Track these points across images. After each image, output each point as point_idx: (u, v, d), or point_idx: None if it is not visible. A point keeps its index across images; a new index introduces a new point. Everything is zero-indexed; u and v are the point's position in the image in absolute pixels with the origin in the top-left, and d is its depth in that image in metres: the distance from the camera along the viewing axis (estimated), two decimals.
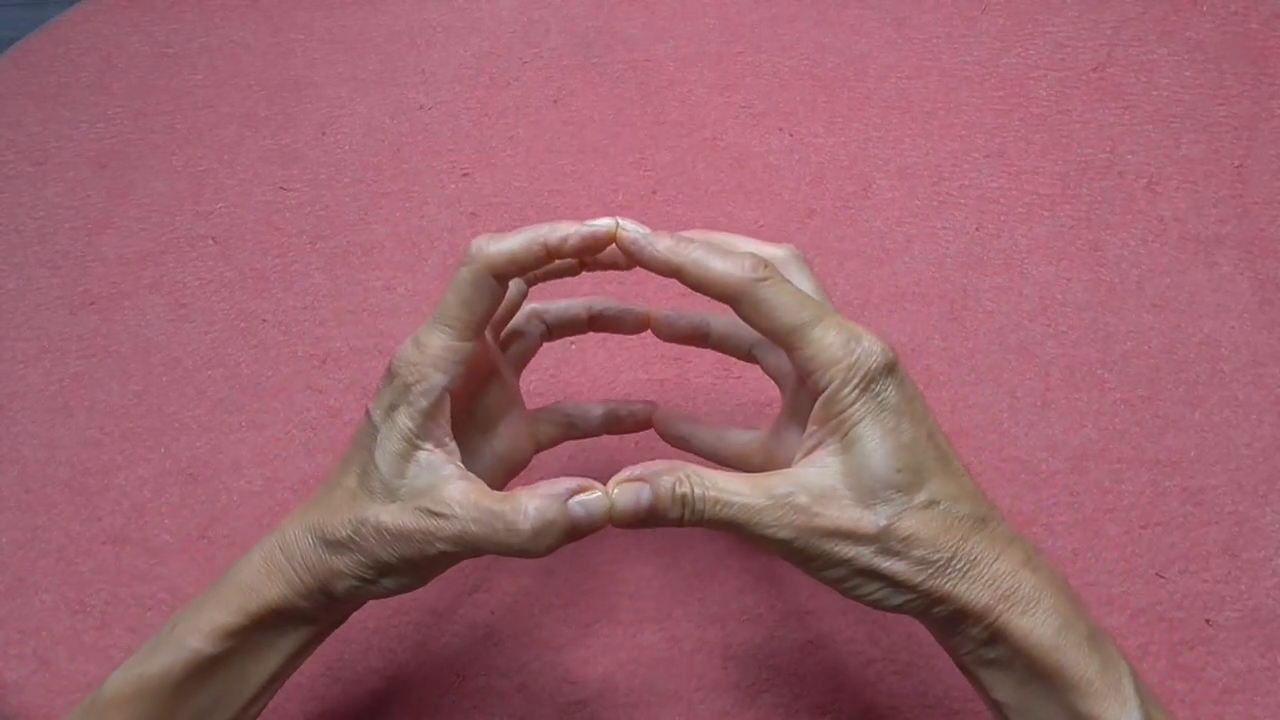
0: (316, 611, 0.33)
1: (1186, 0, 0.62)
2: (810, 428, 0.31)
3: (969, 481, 0.31)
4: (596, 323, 0.40)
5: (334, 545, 0.31)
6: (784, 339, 0.30)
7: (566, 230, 0.31)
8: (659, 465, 0.30)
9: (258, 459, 0.49)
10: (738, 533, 0.29)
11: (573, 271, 0.37)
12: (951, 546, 0.29)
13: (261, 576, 0.32)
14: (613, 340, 0.51)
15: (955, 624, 0.30)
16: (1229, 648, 0.42)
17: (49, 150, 0.61)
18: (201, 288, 0.55)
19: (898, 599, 0.29)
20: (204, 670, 0.32)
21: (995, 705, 0.30)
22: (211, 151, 0.61)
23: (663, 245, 0.31)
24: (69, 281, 0.56)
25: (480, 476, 0.36)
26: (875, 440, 0.29)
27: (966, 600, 0.29)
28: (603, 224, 0.31)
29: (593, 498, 0.29)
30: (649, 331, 0.41)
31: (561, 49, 0.64)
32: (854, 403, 0.29)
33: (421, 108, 0.62)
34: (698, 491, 0.29)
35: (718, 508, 0.29)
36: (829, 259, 0.53)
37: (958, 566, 0.29)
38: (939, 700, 0.41)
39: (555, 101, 0.61)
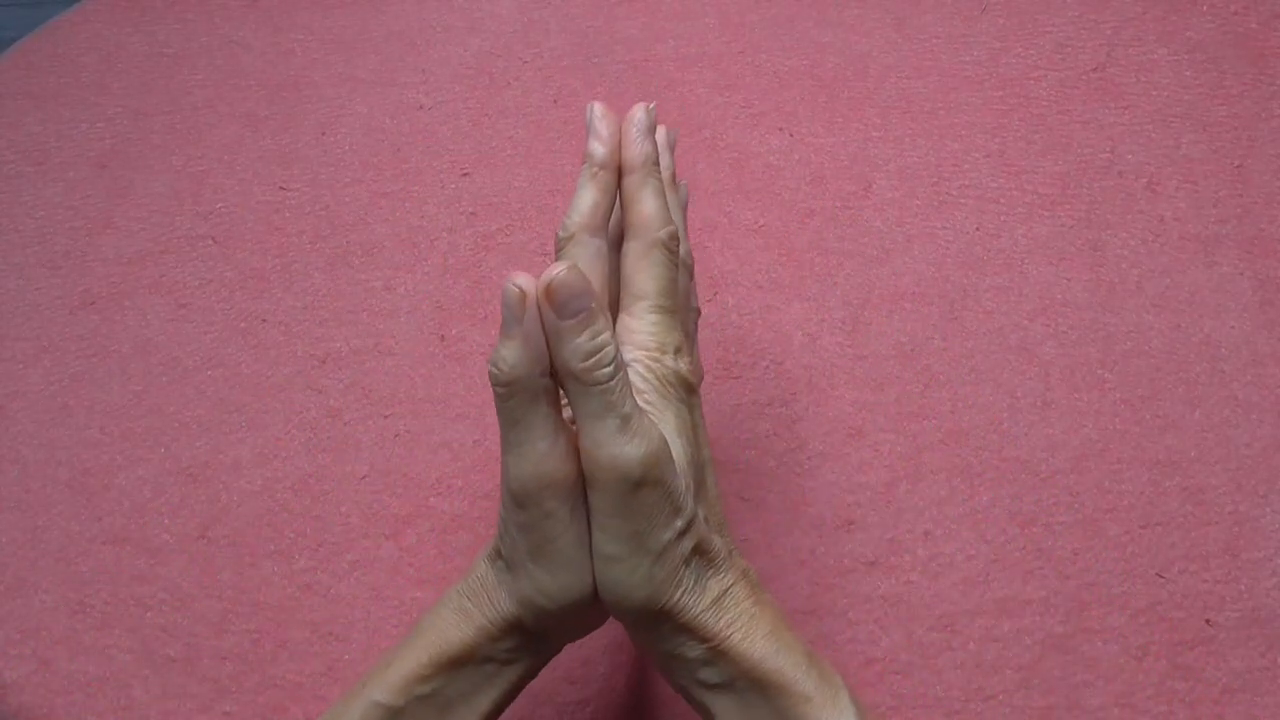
0: (513, 651, 0.32)
1: (1186, 0, 0.62)
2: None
3: (723, 514, 0.33)
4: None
5: (501, 570, 0.31)
6: (630, 299, 0.32)
7: (592, 146, 0.33)
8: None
9: (258, 459, 0.49)
10: (598, 427, 0.28)
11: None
12: (707, 563, 0.31)
13: (450, 626, 0.32)
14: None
15: (676, 641, 0.30)
16: (1229, 648, 0.42)
17: (49, 150, 0.61)
18: (201, 288, 0.55)
19: (652, 602, 0.30)
20: None
21: None
22: (211, 151, 0.61)
23: (642, 148, 0.33)
24: (69, 281, 0.56)
25: None
26: (676, 446, 0.30)
27: (695, 617, 0.30)
28: (593, 111, 0.33)
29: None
30: None
31: (561, 49, 0.64)
32: (651, 392, 0.31)
33: (421, 108, 0.62)
34: (621, 358, 0.30)
35: (621, 384, 0.29)
36: (829, 259, 0.53)
37: (703, 584, 0.30)
38: (939, 700, 0.41)
39: (555, 101, 0.61)
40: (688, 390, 0.32)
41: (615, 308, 0.36)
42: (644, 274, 0.32)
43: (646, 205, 0.32)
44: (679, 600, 0.30)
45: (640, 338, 0.31)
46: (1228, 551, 0.44)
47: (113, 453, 0.50)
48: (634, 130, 0.33)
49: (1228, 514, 0.45)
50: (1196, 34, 0.60)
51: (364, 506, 0.48)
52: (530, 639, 0.32)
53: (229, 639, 0.45)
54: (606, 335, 0.29)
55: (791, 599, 0.44)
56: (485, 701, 0.32)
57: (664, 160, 0.36)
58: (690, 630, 0.30)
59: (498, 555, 0.32)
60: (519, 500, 0.30)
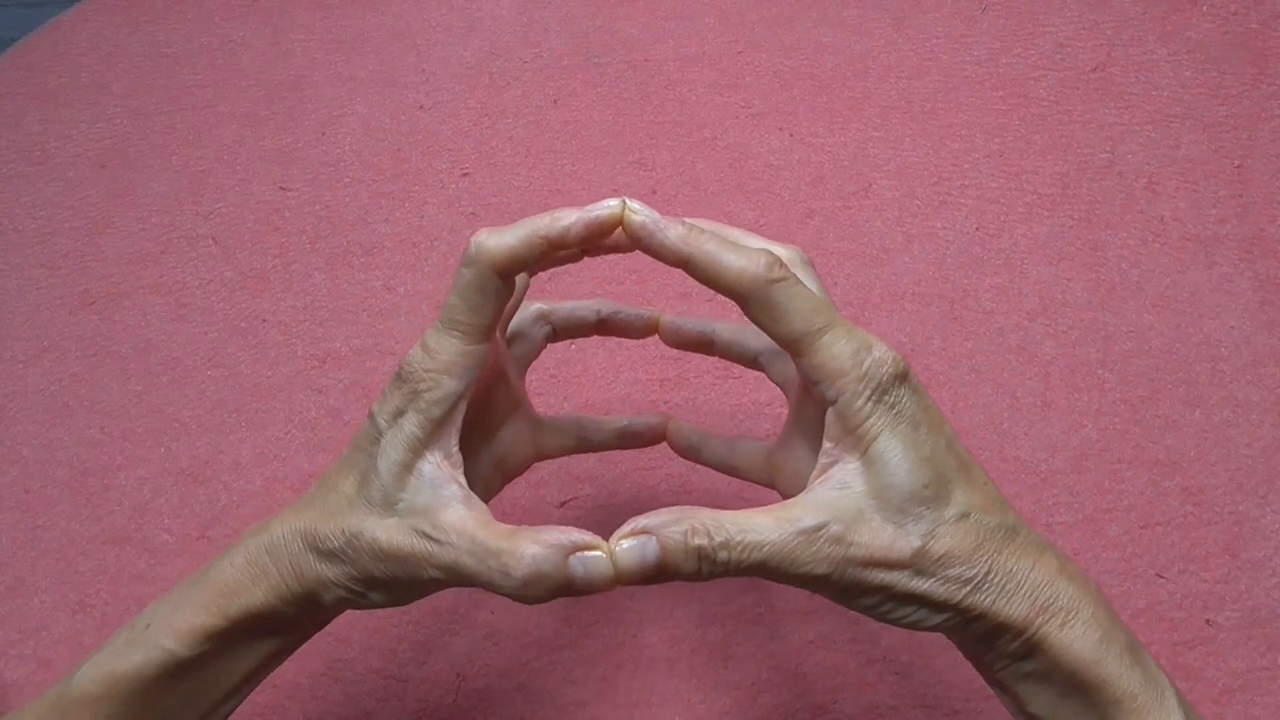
0: (300, 618, 0.31)
1: (1186, 0, 0.62)
2: (825, 444, 0.29)
3: (993, 489, 0.30)
4: (604, 326, 0.39)
5: (324, 554, 0.30)
6: (792, 344, 0.29)
7: (569, 220, 0.29)
8: (666, 515, 0.27)
9: (258, 459, 0.49)
10: (767, 575, 0.28)
11: (574, 258, 0.35)
12: (987, 561, 0.28)
13: (245, 579, 0.30)
14: (613, 340, 0.51)
15: (991, 639, 0.28)
16: (1229, 648, 0.42)
17: (49, 150, 0.61)
18: (201, 288, 0.55)
19: (935, 619, 0.28)
20: (177, 671, 0.30)
21: (1030, 719, 0.29)
22: (211, 151, 0.61)
23: (673, 234, 0.29)
24: (69, 281, 0.56)
25: (476, 480, 0.34)
26: (897, 455, 0.28)
27: (1005, 616, 0.28)
28: (608, 207, 0.29)
29: (593, 557, 0.27)
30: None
31: (561, 49, 0.64)
32: (869, 416, 0.28)
33: (421, 108, 0.62)
34: (718, 539, 0.27)
35: (745, 552, 0.27)
36: (829, 259, 0.53)
37: (995, 581, 0.28)
38: (939, 700, 0.41)
39: (555, 101, 0.61)
40: (900, 380, 0.28)
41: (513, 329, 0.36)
42: (784, 320, 0.28)
43: (727, 269, 0.28)
44: (964, 613, 0.28)
45: (831, 368, 0.28)
46: (1228, 551, 0.44)
47: (113, 453, 0.50)
48: (655, 236, 0.29)
49: (1228, 514, 0.45)
50: (1196, 34, 0.60)
51: None
52: (321, 609, 0.31)
53: None
54: (690, 544, 0.27)
55: (791, 599, 0.44)
56: (267, 650, 0.32)
57: (670, 229, 0.31)
58: (1002, 628, 0.28)
59: (321, 539, 0.30)
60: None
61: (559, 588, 0.27)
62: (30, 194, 0.60)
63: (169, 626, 0.30)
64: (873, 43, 0.62)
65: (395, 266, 0.55)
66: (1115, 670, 0.27)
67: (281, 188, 0.59)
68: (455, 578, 0.28)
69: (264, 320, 0.54)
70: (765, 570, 0.27)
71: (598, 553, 0.27)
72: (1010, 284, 0.52)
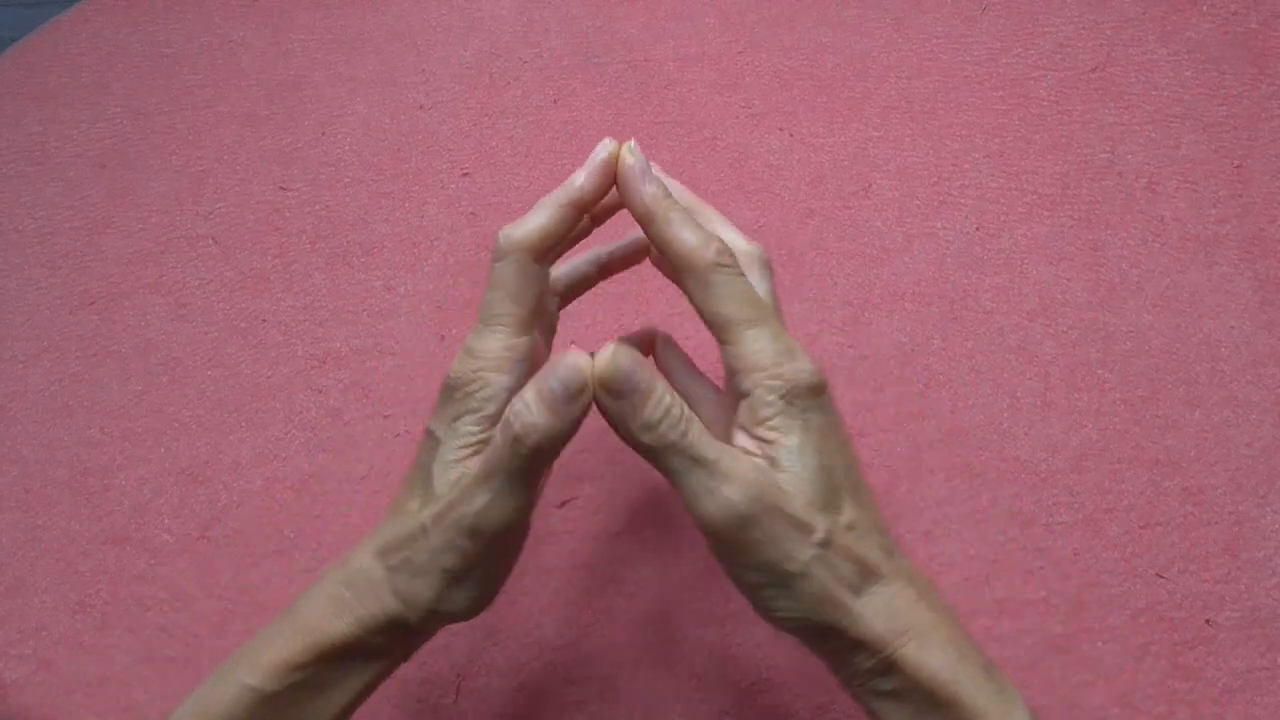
0: (388, 645, 0.31)
1: (1186, 0, 0.62)
2: (737, 432, 0.30)
3: (878, 515, 0.31)
4: (606, 270, 0.39)
5: (395, 569, 0.30)
6: (719, 329, 0.30)
7: (580, 178, 0.31)
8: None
9: (258, 459, 0.49)
10: (692, 483, 0.29)
11: (585, 232, 0.36)
12: (866, 572, 0.29)
13: (328, 614, 0.30)
14: (613, 340, 0.51)
15: (849, 654, 0.29)
16: (1229, 648, 0.42)
17: (49, 150, 0.61)
18: (201, 288, 0.55)
19: (809, 619, 0.29)
20: (268, 709, 0.30)
21: None
22: (211, 151, 0.61)
23: (649, 190, 0.31)
24: (69, 281, 0.56)
25: None
26: (804, 461, 0.29)
27: (865, 629, 0.29)
28: (606, 147, 0.31)
29: (561, 361, 0.29)
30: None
31: (561, 49, 0.64)
32: (777, 415, 0.29)
33: (421, 108, 0.62)
34: (686, 413, 0.29)
35: (697, 435, 0.29)
36: (829, 259, 0.53)
37: (867, 591, 0.29)
38: None
39: (555, 101, 0.61)
40: (815, 393, 0.30)
41: (540, 320, 0.36)
42: (716, 302, 0.30)
43: (681, 239, 0.30)
44: (839, 617, 0.29)
45: (749, 361, 0.29)
46: (1228, 551, 0.44)
47: (113, 453, 0.50)
48: (634, 181, 0.31)
49: (1228, 514, 0.45)
50: (1196, 34, 0.60)
51: (364, 506, 0.48)
52: (409, 633, 0.31)
53: (229, 639, 0.45)
54: (666, 398, 0.28)
55: None
56: (359, 683, 0.31)
57: (674, 189, 0.34)
58: (861, 644, 0.29)
59: (390, 554, 0.30)
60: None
61: (550, 399, 0.28)
62: (30, 194, 0.60)
63: (254, 664, 0.30)
64: (873, 43, 0.62)
65: (395, 266, 0.55)
66: (969, 689, 0.29)
67: (281, 188, 0.59)
68: (489, 491, 0.29)
69: (264, 320, 0.54)
70: (698, 468, 0.28)
71: (571, 358, 0.29)
72: (1010, 284, 0.52)
